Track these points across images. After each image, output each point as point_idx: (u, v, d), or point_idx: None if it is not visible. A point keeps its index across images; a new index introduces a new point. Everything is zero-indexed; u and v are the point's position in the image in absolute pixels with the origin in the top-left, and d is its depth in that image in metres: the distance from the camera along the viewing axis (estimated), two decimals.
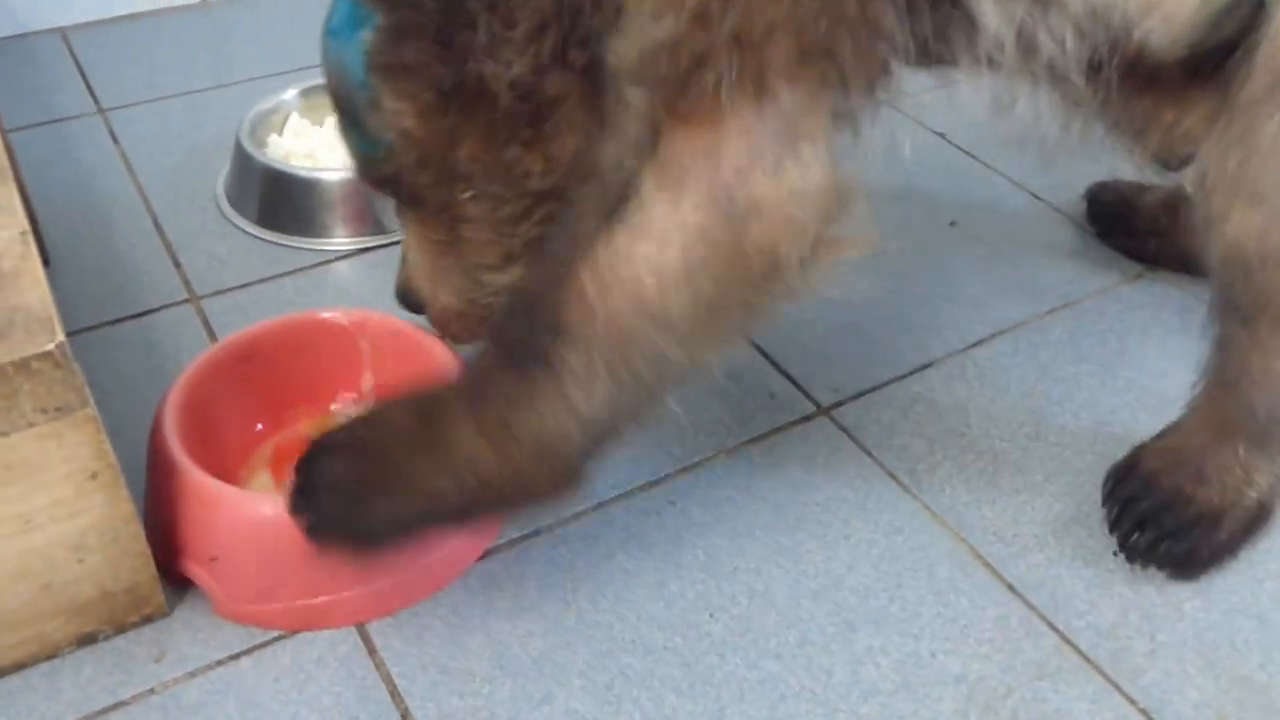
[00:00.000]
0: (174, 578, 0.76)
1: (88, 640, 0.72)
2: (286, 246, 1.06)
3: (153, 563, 0.72)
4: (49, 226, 1.06)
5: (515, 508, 0.68)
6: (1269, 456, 0.78)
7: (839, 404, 0.92)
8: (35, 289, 0.66)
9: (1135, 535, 0.79)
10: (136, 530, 0.70)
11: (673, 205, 0.54)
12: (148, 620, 0.73)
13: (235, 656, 0.73)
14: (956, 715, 0.71)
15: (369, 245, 1.07)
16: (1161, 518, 0.79)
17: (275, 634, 0.74)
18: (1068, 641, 0.75)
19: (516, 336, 0.59)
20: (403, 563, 0.72)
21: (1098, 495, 0.84)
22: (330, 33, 0.69)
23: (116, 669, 0.72)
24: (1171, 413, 0.84)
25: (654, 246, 0.55)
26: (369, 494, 0.64)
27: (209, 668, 0.72)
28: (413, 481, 0.63)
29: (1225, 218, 0.66)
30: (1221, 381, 0.76)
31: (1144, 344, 0.97)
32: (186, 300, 1.00)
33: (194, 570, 0.75)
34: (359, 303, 0.97)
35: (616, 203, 0.56)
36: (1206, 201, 0.67)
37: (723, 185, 0.54)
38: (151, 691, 0.71)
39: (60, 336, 0.63)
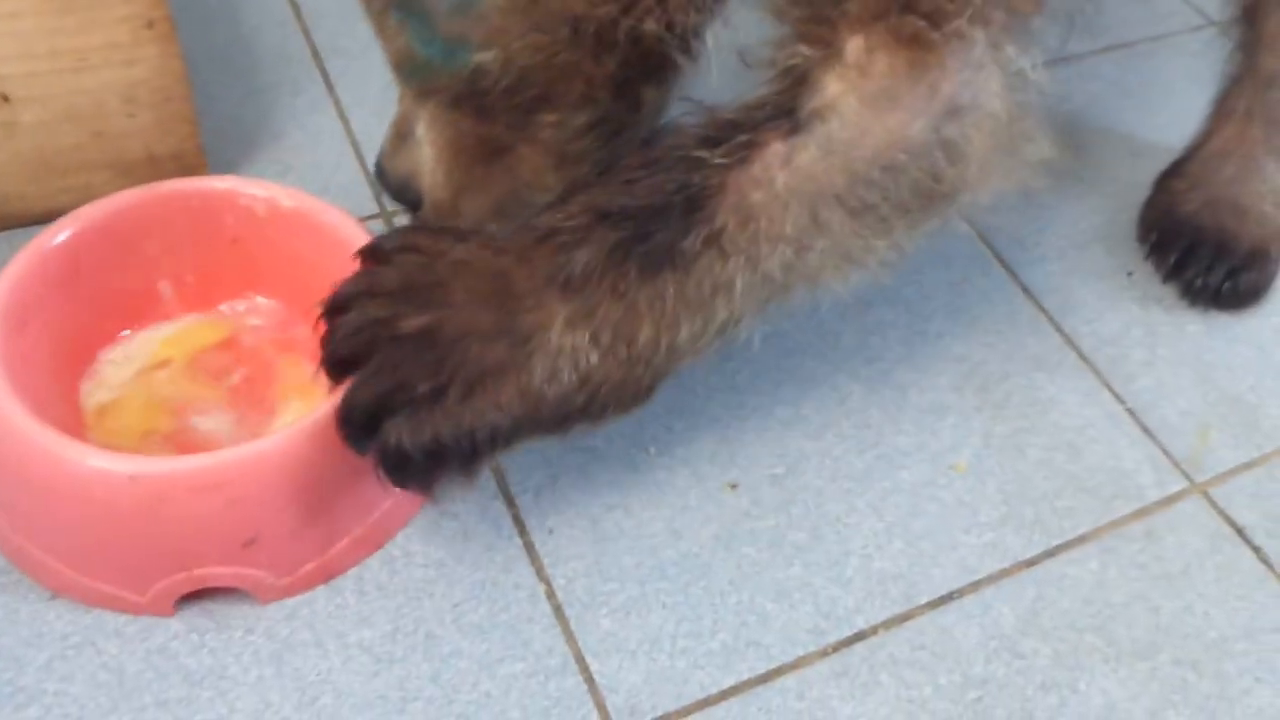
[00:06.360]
0: (154, 608, 0.59)
1: None
2: None
3: (199, 134, 0.73)
4: None
5: (602, 418, 0.57)
6: None
7: None
8: None
9: (1198, 279, 0.80)
10: (187, 94, 0.72)
11: (880, 118, 0.52)
12: None
13: None
14: (952, 390, 0.74)
15: None
16: (1218, 260, 0.80)
17: None
18: (1070, 342, 0.78)
19: (662, 240, 0.53)
20: None
21: (1122, 218, 0.86)
22: None
23: None
24: None
25: (845, 159, 0.53)
26: (453, 404, 0.53)
27: None
28: (508, 385, 0.53)
29: None
30: (1254, 86, 0.77)
31: (1191, 90, 0.94)
32: None
33: (214, 574, 0.59)
34: None
35: (767, 120, 0.53)
36: None
37: (941, 101, 0.53)
38: None
39: None
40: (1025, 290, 0.81)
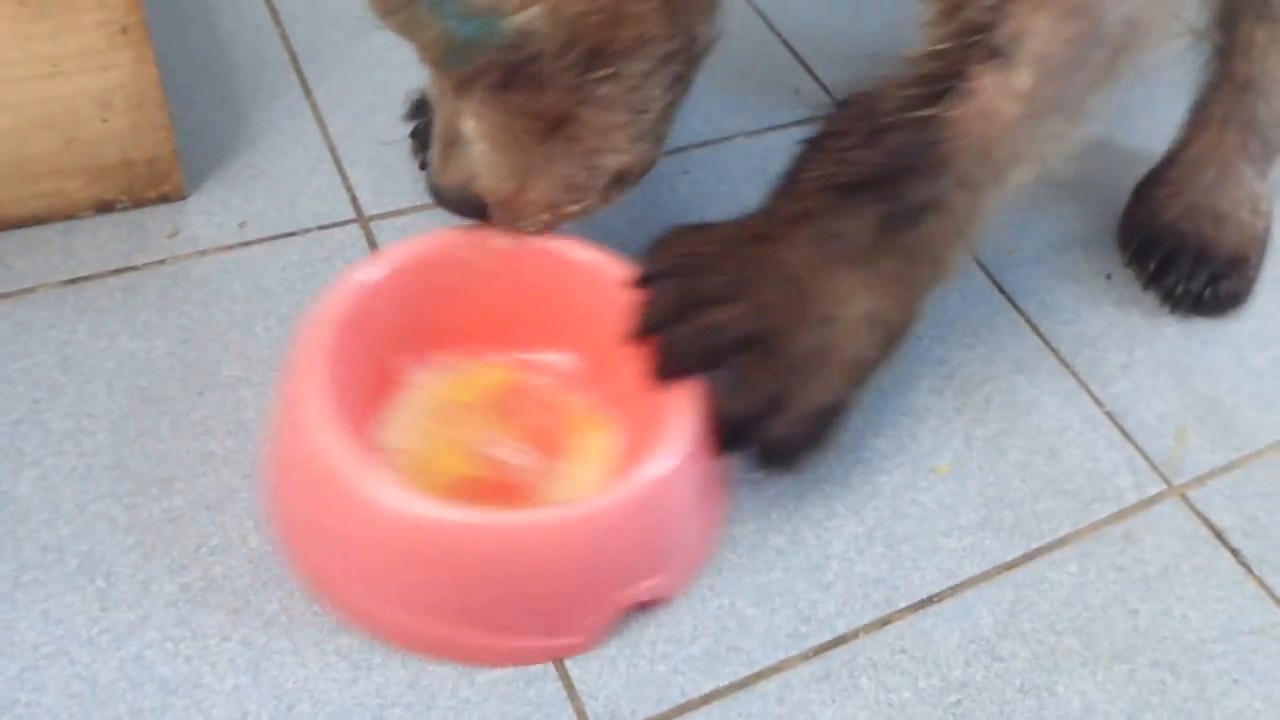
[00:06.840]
0: (588, 645, 0.60)
1: (105, 207, 0.74)
2: None
3: (173, 138, 0.73)
4: None
5: (890, 359, 0.65)
6: (1265, 178, 0.82)
7: None
8: None
9: (1179, 286, 0.81)
10: (161, 99, 0.71)
11: (1071, 24, 0.56)
12: (164, 199, 0.75)
13: (247, 244, 0.75)
14: (932, 393, 0.75)
15: None
16: (1198, 267, 0.81)
17: (288, 230, 0.74)
18: (1048, 345, 0.79)
19: (916, 198, 0.58)
20: None
21: (1099, 222, 0.86)
22: None
23: (131, 237, 0.74)
24: None
25: (1052, 69, 0.57)
26: (793, 402, 0.60)
27: (221, 249, 0.74)
28: (827, 367, 0.60)
29: None
30: (1230, 91, 0.78)
31: (1168, 95, 0.94)
32: None
33: (635, 592, 0.60)
34: None
35: (974, 60, 0.57)
36: None
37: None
38: (163, 262, 0.73)
39: None
40: (1004, 293, 0.81)
